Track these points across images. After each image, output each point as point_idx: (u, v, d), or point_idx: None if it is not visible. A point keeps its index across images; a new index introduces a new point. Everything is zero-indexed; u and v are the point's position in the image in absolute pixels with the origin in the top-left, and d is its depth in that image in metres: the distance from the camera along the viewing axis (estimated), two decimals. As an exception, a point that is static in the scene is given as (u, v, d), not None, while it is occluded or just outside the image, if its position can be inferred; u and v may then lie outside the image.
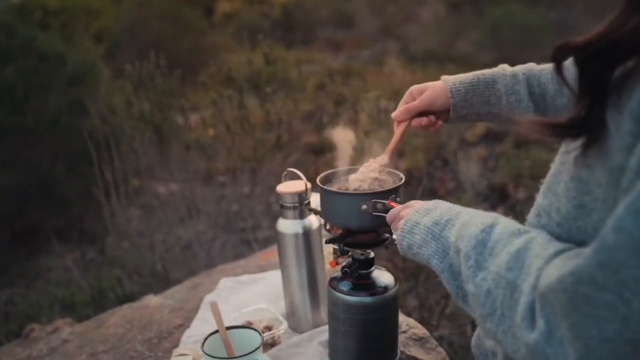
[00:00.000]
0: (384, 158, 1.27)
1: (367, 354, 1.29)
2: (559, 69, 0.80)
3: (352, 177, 1.28)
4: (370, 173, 1.26)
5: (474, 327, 1.86)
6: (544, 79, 1.25)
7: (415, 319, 1.63)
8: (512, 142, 5.40)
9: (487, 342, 1.07)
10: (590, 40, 0.72)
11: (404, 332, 1.49)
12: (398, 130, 1.30)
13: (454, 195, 4.21)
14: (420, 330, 1.52)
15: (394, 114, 1.30)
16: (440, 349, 1.45)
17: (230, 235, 3.59)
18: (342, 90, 4.65)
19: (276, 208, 3.91)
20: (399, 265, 2.27)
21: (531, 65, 1.28)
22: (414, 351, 1.43)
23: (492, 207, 4.11)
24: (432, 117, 1.29)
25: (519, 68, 1.27)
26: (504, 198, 4.49)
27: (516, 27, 8.91)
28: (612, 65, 0.70)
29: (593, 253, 0.62)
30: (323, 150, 4.30)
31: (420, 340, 1.47)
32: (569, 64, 1.25)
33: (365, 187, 1.24)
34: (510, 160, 5.03)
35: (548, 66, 1.27)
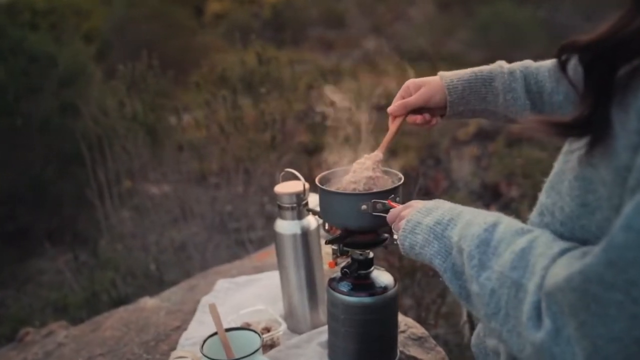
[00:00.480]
0: (378, 154, 1.27)
1: (367, 355, 1.29)
2: (563, 68, 0.80)
3: (346, 178, 1.27)
4: (363, 172, 1.25)
5: (472, 327, 1.86)
6: (541, 76, 1.25)
7: (412, 319, 1.63)
8: (504, 141, 5.43)
9: (489, 341, 1.06)
10: (596, 40, 0.72)
11: (403, 331, 1.49)
12: (393, 126, 1.29)
13: (447, 194, 4.22)
14: (418, 329, 1.52)
15: (390, 109, 1.28)
16: (439, 349, 1.45)
17: (224, 236, 3.58)
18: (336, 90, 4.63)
19: (269, 208, 3.91)
20: (395, 265, 2.27)
21: (528, 63, 1.28)
22: (413, 351, 1.43)
23: (486, 206, 4.13)
24: (427, 116, 1.29)
25: (517, 65, 1.27)
26: (496, 196, 4.51)
27: (506, 26, 8.94)
28: (617, 64, 0.71)
29: (602, 252, 0.62)
30: (316, 150, 4.29)
31: (419, 340, 1.47)
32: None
33: (360, 188, 1.23)
34: (502, 158, 5.05)
35: (544, 63, 1.27)
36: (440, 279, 0.95)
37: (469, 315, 1.82)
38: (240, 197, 3.57)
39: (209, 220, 3.54)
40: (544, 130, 0.77)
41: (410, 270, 2.27)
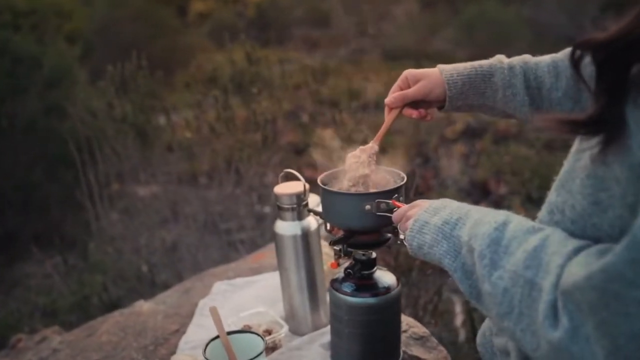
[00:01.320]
0: (373, 146, 1.26)
1: (371, 355, 1.28)
2: (576, 66, 0.80)
3: (345, 181, 1.26)
4: (358, 170, 1.24)
5: (473, 325, 1.87)
6: (540, 72, 1.24)
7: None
8: (491, 138, 5.46)
9: (497, 340, 1.06)
10: (610, 38, 0.72)
11: (404, 331, 1.48)
12: (389, 117, 1.27)
13: (437, 192, 4.23)
14: (420, 329, 1.51)
15: (387, 100, 1.27)
16: (441, 348, 1.45)
17: (215, 236, 3.55)
18: (323, 89, 4.65)
19: (258, 209, 3.89)
20: (391, 264, 2.27)
21: (527, 58, 1.27)
22: (415, 350, 1.42)
23: (475, 203, 4.14)
24: (423, 111, 1.28)
25: (516, 61, 1.25)
26: (485, 194, 4.53)
27: (491, 24, 9.01)
28: (631, 62, 0.71)
29: (624, 250, 0.62)
30: (305, 150, 4.28)
31: (420, 340, 1.47)
32: (564, 56, 1.26)
33: (360, 189, 1.23)
34: (490, 156, 5.08)
35: (543, 58, 1.26)
36: (450, 278, 0.95)
37: (470, 315, 1.83)
38: (231, 198, 3.54)
39: (199, 221, 3.52)
40: (557, 128, 0.77)
41: (406, 269, 2.27)
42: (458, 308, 2.74)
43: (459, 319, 2.66)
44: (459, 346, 2.50)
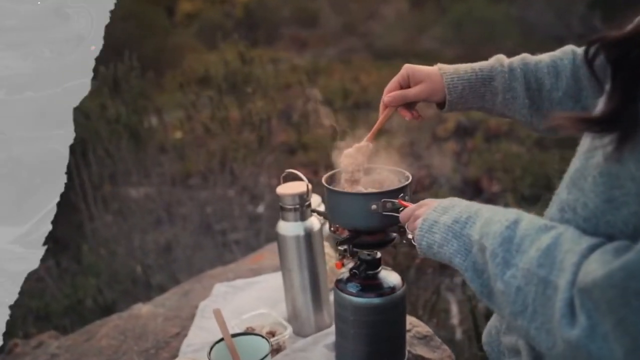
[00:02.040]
0: (368, 145, 1.25)
1: (377, 356, 1.27)
2: (591, 64, 0.79)
3: (342, 182, 1.26)
4: (354, 175, 1.24)
5: (475, 324, 1.86)
6: (540, 73, 1.23)
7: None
8: (483, 136, 5.48)
9: (506, 338, 1.06)
10: (624, 36, 0.72)
11: (408, 331, 1.48)
12: (384, 114, 1.26)
13: (430, 190, 4.23)
14: (423, 328, 1.51)
15: (386, 99, 1.24)
16: (445, 347, 1.45)
17: (209, 237, 3.54)
18: (314, 88, 4.63)
19: (250, 209, 3.87)
20: (389, 263, 2.26)
21: (527, 59, 1.25)
22: (419, 350, 1.42)
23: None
24: (416, 113, 1.28)
25: (516, 62, 1.24)
26: (478, 192, 4.54)
27: (479, 23, 9.04)
28: None
29: None
30: (299, 150, 4.28)
31: (424, 339, 1.47)
32: (563, 55, 1.26)
33: (357, 189, 1.22)
34: (481, 154, 5.09)
35: (543, 58, 1.25)
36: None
37: (472, 314, 1.83)
38: (224, 199, 3.53)
39: (194, 222, 3.50)
40: (571, 126, 0.77)
41: (405, 268, 2.27)
42: (454, 307, 2.74)
43: (455, 318, 2.67)
44: (456, 345, 2.51)
